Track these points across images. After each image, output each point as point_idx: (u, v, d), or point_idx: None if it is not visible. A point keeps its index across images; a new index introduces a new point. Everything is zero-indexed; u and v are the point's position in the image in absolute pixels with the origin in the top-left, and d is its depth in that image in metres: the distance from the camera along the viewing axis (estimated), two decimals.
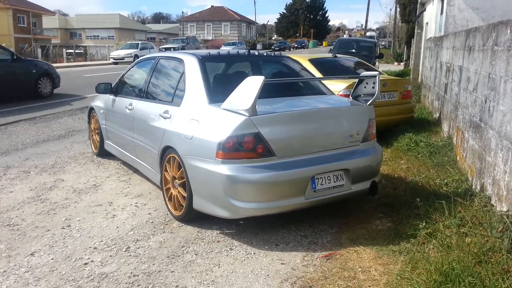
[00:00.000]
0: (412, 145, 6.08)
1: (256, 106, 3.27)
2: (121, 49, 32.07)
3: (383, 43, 58.87)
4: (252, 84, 3.25)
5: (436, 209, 3.59)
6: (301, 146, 3.50)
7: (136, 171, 5.22)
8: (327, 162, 3.57)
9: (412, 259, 2.98)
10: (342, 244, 3.42)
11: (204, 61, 4.08)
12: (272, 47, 52.29)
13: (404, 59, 27.32)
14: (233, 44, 41.12)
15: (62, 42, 56.32)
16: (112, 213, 4.09)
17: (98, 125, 5.87)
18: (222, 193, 3.32)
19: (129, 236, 3.60)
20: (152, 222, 3.88)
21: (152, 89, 4.64)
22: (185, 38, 41.91)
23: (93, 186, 4.86)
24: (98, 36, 65.35)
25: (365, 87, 4.14)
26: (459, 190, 4.15)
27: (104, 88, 5.38)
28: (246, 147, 3.28)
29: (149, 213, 4.07)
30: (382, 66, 22.00)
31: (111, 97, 5.43)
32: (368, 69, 6.83)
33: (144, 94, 4.69)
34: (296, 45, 62.20)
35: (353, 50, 13.74)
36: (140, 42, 33.73)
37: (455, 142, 5.65)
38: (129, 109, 4.80)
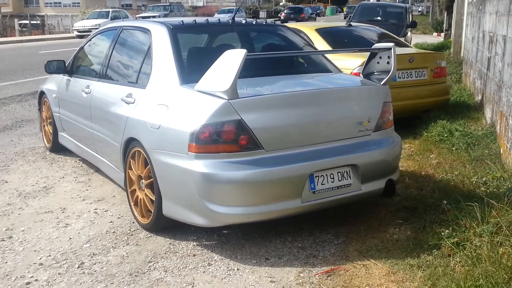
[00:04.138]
0: (445, 135, 6.07)
1: (237, 87, 3.30)
2: (87, 19, 32.14)
3: (419, 9, 58.52)
4: (231, 60, 3.28)
5: (468, 214, 3.61)
6: (296, 136, 3.53)
7: (98, 170, 5.27)
8: (330, 156, 3.61)
9: (432, 275, 3.02)
10: (349, 258, 3.46)
11: (175, 31, 4.10)
12: (279, 14, 51.93)
13: (445, 28, 27.20)
14: (228, 11, 40.95)
15: (14, 11, 56.28)
16: (64, 221, 4.15)
17: (50, 113, 5.93)
18: (197, 195, 3.36)
19: (84, 249, 3.65)
20: (114, 232, 3.93)
21: (113, 67, 4.69)
22: (168, 4, 41.89)
23: (44, 188, 4.92)
24: (59, 3, 65.29)
25: (378, 62, 4.16)
26: (500, 190, 4.16)
27: (57, 67, 5.43)
28: (225, 138, 3.32)
29: (111, 221, 4.13)
30: (417, 38, 21.90)
31: (65, 77, 5.49)
32: (397, 43, 6.81)
33: (104, 73, 4.74)
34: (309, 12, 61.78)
35: (379, 18, 13.78)
36: (111, 10, 33.75)
37: (498, 131, 5.66)
38: (86, 93, 4.85)
